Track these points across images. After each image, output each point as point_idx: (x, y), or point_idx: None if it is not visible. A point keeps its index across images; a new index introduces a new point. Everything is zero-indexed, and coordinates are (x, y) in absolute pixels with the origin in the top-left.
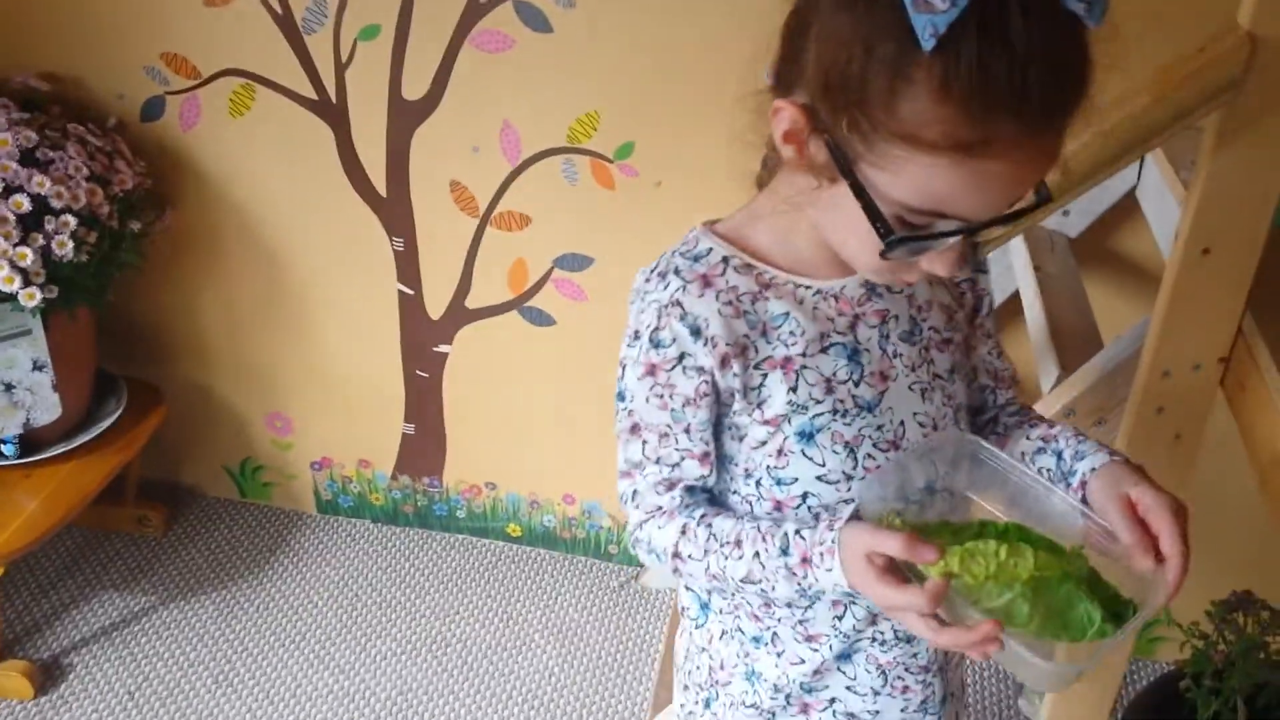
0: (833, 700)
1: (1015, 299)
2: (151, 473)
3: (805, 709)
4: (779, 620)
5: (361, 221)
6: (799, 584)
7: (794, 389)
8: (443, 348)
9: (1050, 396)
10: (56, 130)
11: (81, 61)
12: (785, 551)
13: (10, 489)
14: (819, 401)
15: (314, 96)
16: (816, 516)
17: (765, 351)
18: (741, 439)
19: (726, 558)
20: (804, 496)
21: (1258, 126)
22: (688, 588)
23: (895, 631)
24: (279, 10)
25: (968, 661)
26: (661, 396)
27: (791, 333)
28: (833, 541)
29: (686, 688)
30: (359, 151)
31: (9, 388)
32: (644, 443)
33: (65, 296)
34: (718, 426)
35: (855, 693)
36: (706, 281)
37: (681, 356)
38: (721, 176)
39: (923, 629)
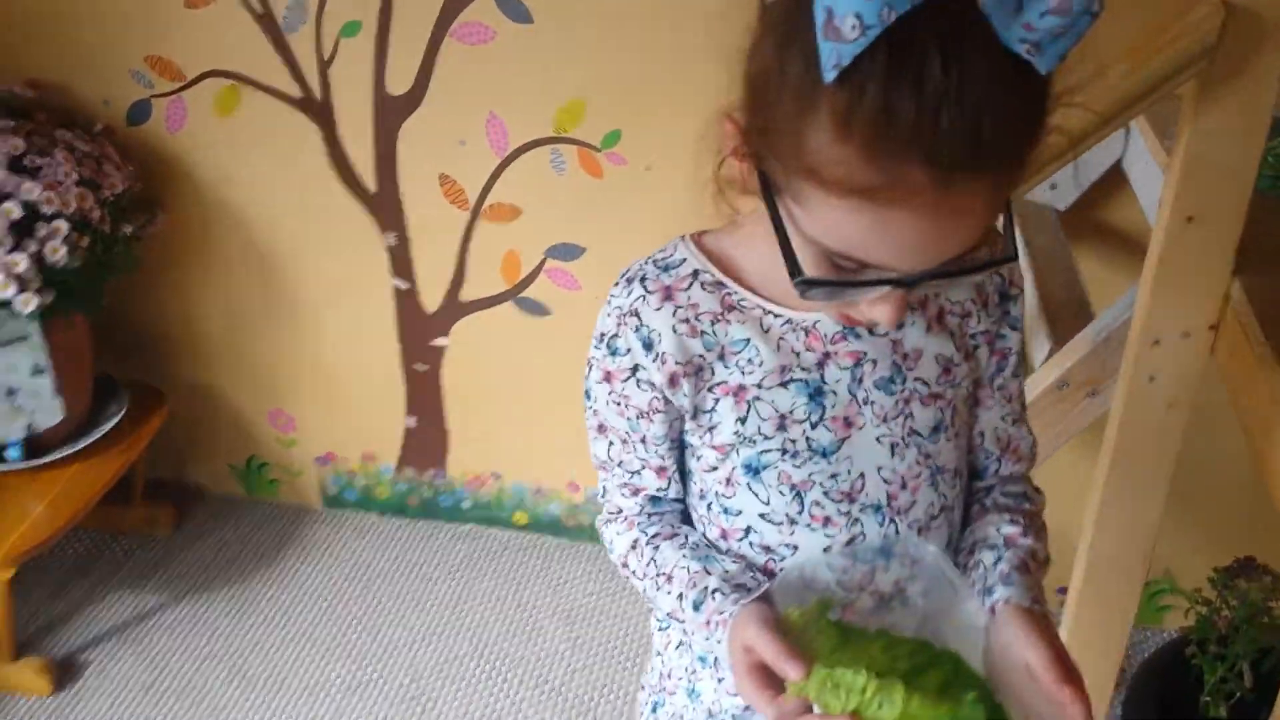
0: None
1: None
2: (158, 473)
3: None
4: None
5: (353, 218)
6: (707, 642)
7: (743, 420)
8: (440, 340)
9: (1042, 370)
10: (44, 137)
11: (66, 67)
12: (697, 608)
13: (17, 492)
14: (768, 437)
15: (299, 94)
16: (756, 567)
17: (720, 375)
18: (697, 459)
19: (658, 589)
20: (747, 530)
21: (1234, 93)
22: None
23: None
24: (259, 9)
25: None
26: (619, 404)
27: (750, 360)
28: (730, 616)
29: (643, 687)
30: (346, 148)
31: (10, 392)
32: (609, 444)
33: (61, 301)
34: (681, 440)
35: None
36: (668, 294)
37: (635, 369)
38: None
39: None
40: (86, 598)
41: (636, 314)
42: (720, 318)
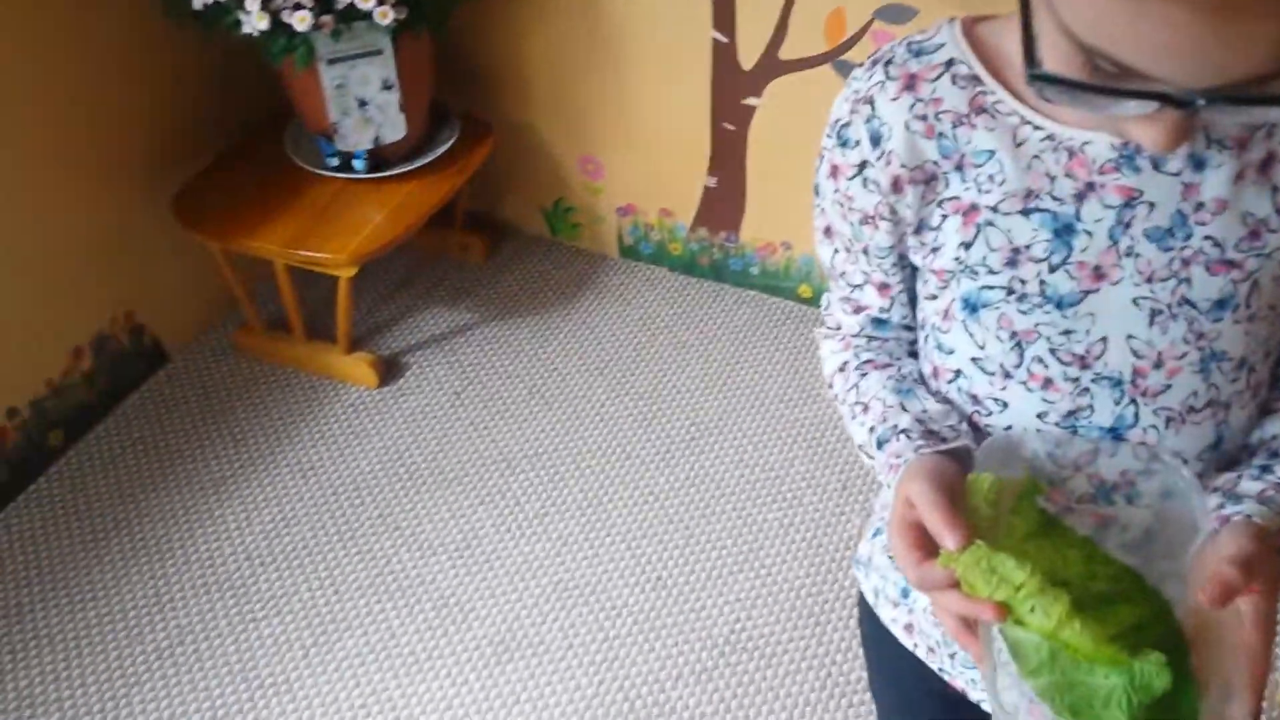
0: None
1: None
2: (474, 205)
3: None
4: None
5: None
6: (886, 481)
7: (968, 245)
8: (751, 100)
9: None
10: None
11: None
12: (881, 445)
13: (362, 201)
14: (993, 271)
15: None
16: (961, 416)
17: (953, 189)
18: (922, 282)
19: (853, 417)
20: (957, 373)
21: None
22: None
23: None
24: None
25: None
26: (843, 205)
27: (991, 177)
28: (905, 462)
29: (872, 511)
30: None
31: (362, 104)
32: (834, 250)
33: (413, 19)
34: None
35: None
36: (910, 83)
37: (862, 165)
38: None
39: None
40: (408, 309)
41: (871, 101)
42: (965, 120)
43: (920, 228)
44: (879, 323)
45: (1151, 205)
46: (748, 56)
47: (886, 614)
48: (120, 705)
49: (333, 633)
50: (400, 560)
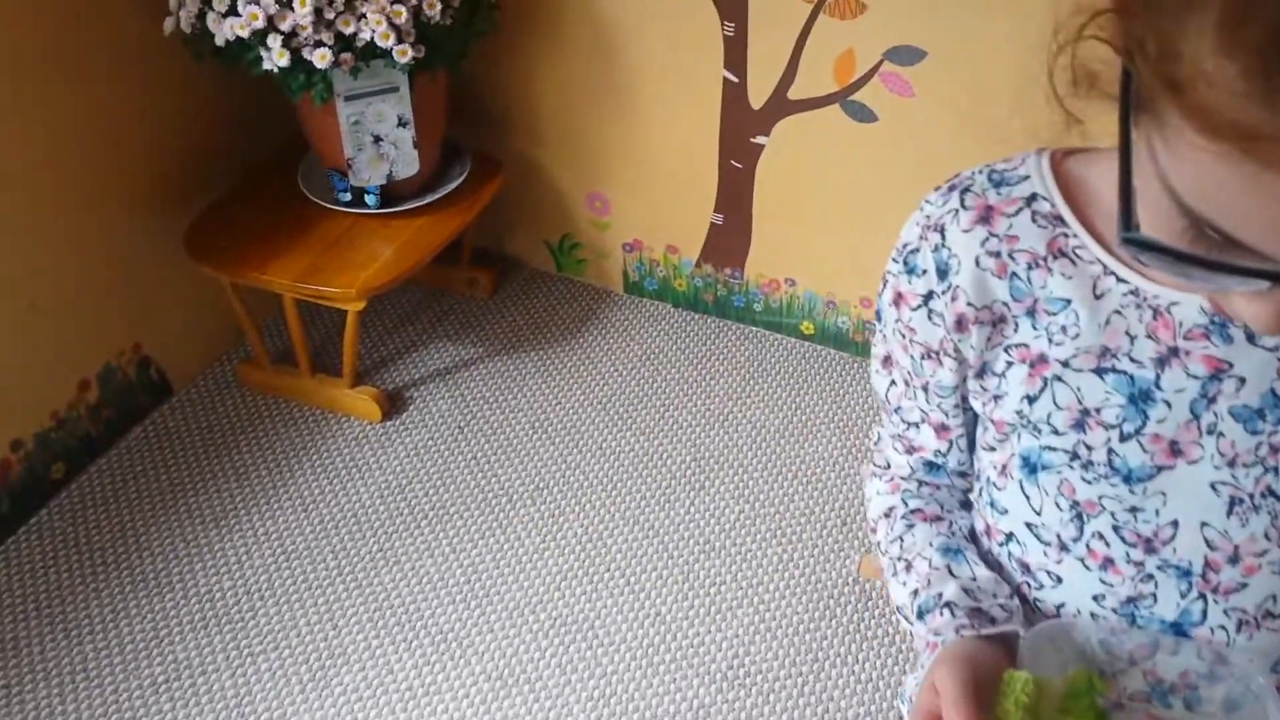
0: None
1: None
2: (482, 241)
3: None
4: None
5: (695, 4)
6: (922, 661)
7: (1032, 399)
8: (760, 139)
9: None
10: None
11: None
12: (922, 615)
13: (372, 236)
14: (1058, 432)
15: None
16: (1009, 585)
17: (1022, 335)
18: (982, 429)
19: (894, 574)
20: (1009, 537)
21: None
22: None
23: None
24: None
25: None
26: (904, 336)
27: (1064, 328)
28: (941, 643)
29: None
30: None
31: (377, 140)
32: (890, 382)
33: (429, 57)
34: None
35: None
36: (985, 216)
37: (928, 296)
38: None
39: None
40: (413, 343)
41: (941, 229)
42: (1041, 262)
43: (983, 371)
44: (932, 467)
45: (1241, 381)
46: (757, 96)
47: None
48: None
49: (330, 668)
50: (399, 595)
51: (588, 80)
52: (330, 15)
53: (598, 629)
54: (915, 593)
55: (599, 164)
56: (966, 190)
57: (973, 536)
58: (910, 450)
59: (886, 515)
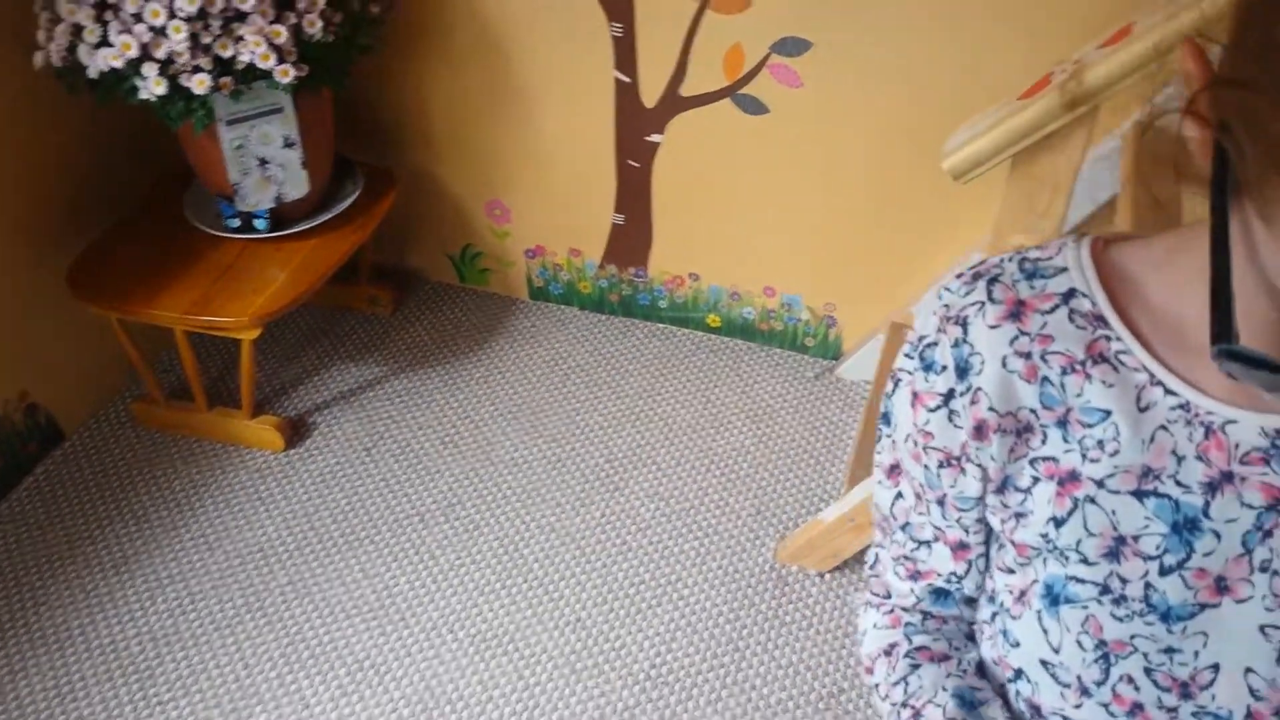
0: None
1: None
2: (381, 257)
3: None
4: None
5: (582, 6)
6: None
7: (1060, 522)
8: (655, 137)
9: None
10: None
11: None
12: None
13: (264, 260)
14: (1088, 561)
15: None
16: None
17: (1050, 448)
18: (998, 547)
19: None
20: (1019, 673)
21: None
22: None
23: None
24: None
25: None
26: (917, 443)
27: (1101, 443)
28: None
29: None
30: None
31: (263, 163)
32: (898, 494)
33: (313, 76)
34: None
35: None
36: (1016, 312)
37: (949, 395)
38: None
39: None
40: (314, 367)
41: (964, 323)
42: (1079, 368)
43: (1004, 486)
44: (941, 595)
45: None
46: (650, 94)
47: None
48: None
49: (243, 708)
50: (312, 626)
51: (479, 89)
52: (207, 40)
53: (518, 641)
54: None
55: (496, 172)
56: (994, 281)
57: (983, 673)
58: (915, 576)
59: (887, 653)
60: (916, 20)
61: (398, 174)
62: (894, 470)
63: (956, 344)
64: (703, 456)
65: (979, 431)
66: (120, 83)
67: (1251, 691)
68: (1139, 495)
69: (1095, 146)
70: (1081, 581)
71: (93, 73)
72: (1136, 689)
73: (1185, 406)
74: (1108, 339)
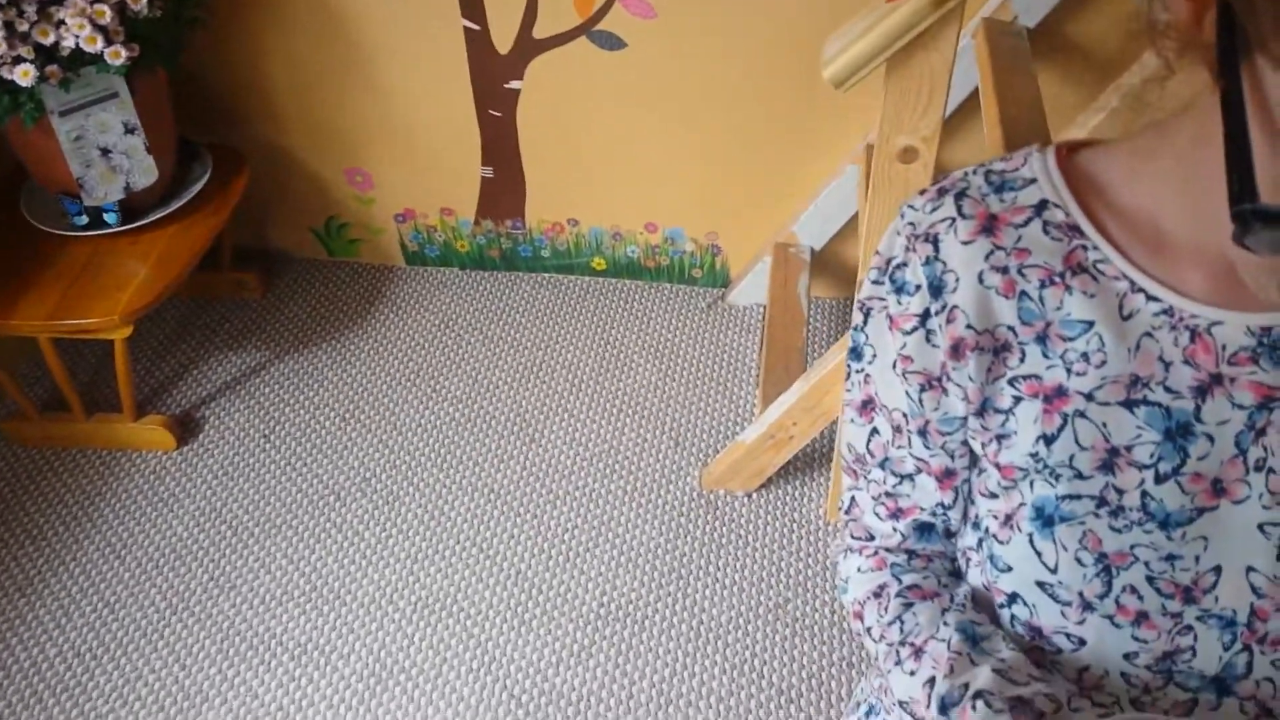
0: None
1: (975, 96)
2: (241, 240)
3: None
4: None
5: None
6: None
7: (1049, 440)
8: (514, 84)
9: None
10: None
11: None
12: (945, 709)
13: (121, 255)
14: (1082, 476)
15: None
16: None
17: (1030, 365)
18: (979, 472)
19: (899, 662)
20: (1013, 598)
21: None
22: None
23: None
24: None
25: None
26: (895, 368)
27: (1085, 356)
28: None
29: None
30: None
31: (105, 153)
32: (874, 430)
33: (144, 55)
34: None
35: None
36: (989, 226)
37: (924, 316)
38: None
39: None
40: (191, 360)
41: (934, 241)
42: (1058, 280)
43: (984, 408)
44: (925, 530)
45: None
46: (502, 40)
47: None
48: None
49: (189, 710)
50: (245, 619)
51: (319, 53)
52: (24, 27)
53: (461, 602)
54: (930, 681)
55: (351, 139)
56: (963, 195)
57: (975, 602)
58: (898, 514)
59: (876, 595)
60: None
61: (247, 152)
62: (867, 406)
63: (928, 261)
64: (613, 398)
65: (955, 351)
66: None
67: (1254, 589)
68: (1129, 405)
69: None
70: (1077, 498)
71: None
72: (1140, 598)
73: (1169, 311)
74: (1084, 248)
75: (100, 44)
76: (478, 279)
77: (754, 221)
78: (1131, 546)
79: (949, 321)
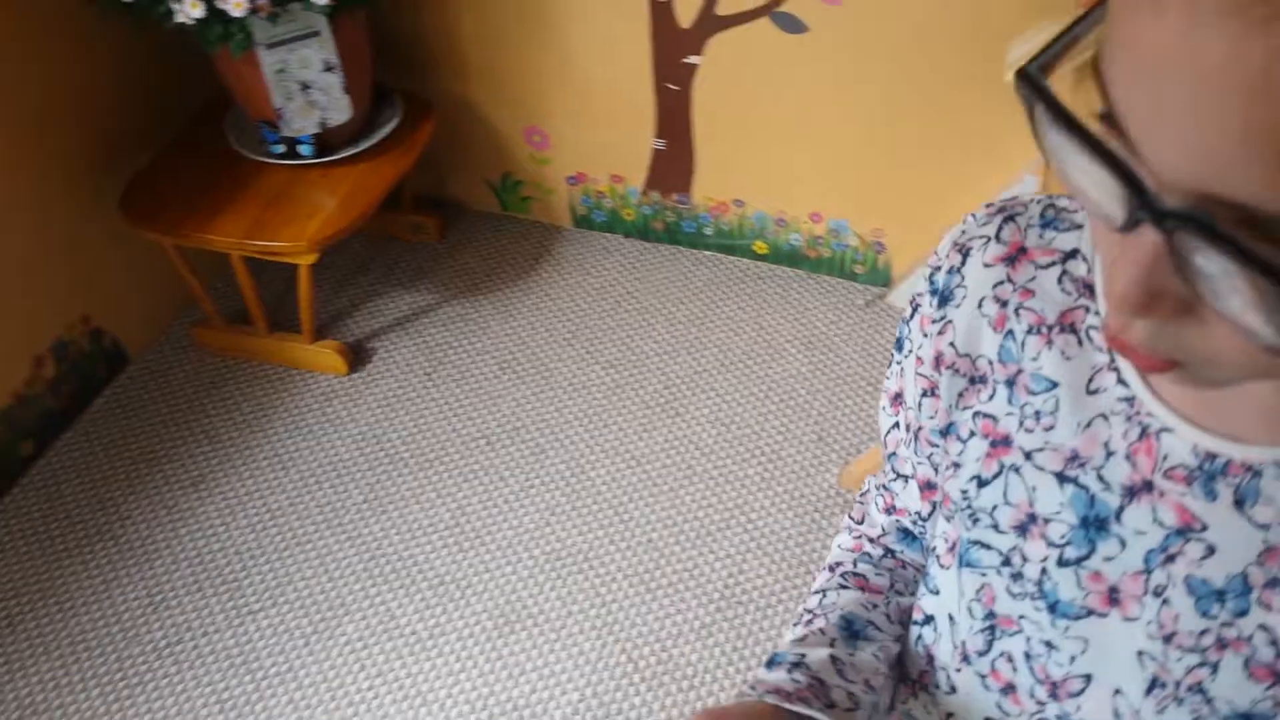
0: None
1: None
2: (420, 186)
3: None
4: None
5: None
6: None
7: (983, 482)
8: (692, 59)
9: None
10: None
11: None
12: (769, 665)
13: (312, 187)
14: (998, 529)
15: None
16: (894, 673)
17: (995, 406)
18: (944, 496)
19: (795, 624)
20: (927, 620)
21: None
22: None
23: None
24: None
25: None
26: (913, 365)
27: (1038, 414)
28: (740, 697)
29: None
30: None
31: (305, 87)
32: (895, 424)
33: None
34: None
35: None
36: (1013, 258)
37: (942, 321)
38: None
39: None
40: (368, 294)
41: (965, 253)
42: (1044, 331)
43: (948, 430)
44: (907, 536)
45: (1210, 550)
46: (685, 15)
47: None
48: (125, 705)
49: (331, 619)
50: (391, 543)
51: (510, 11)
52: None
53: (592, 560)
54: (789, 644)
55: (533, 98)
56: (1010, 219)
57: (899, 615)
58: (890, 510)
59: (831, 569)
60: None
61: (434, 101)
62: (897, 399)
63: (951, 271)
64: (760, 383)
65: (936, 363)
66: (155, 6)
67: (1115, 713)
68: (1060, 479)
69: None
70: (987, 548)
71: None
72: (1014, 670)
73: (1130, 401)
74: (1086, 310)
75: None
76: (640, 249)
77: (922, 223)
78: (1019, 616)
79: (940, 333)
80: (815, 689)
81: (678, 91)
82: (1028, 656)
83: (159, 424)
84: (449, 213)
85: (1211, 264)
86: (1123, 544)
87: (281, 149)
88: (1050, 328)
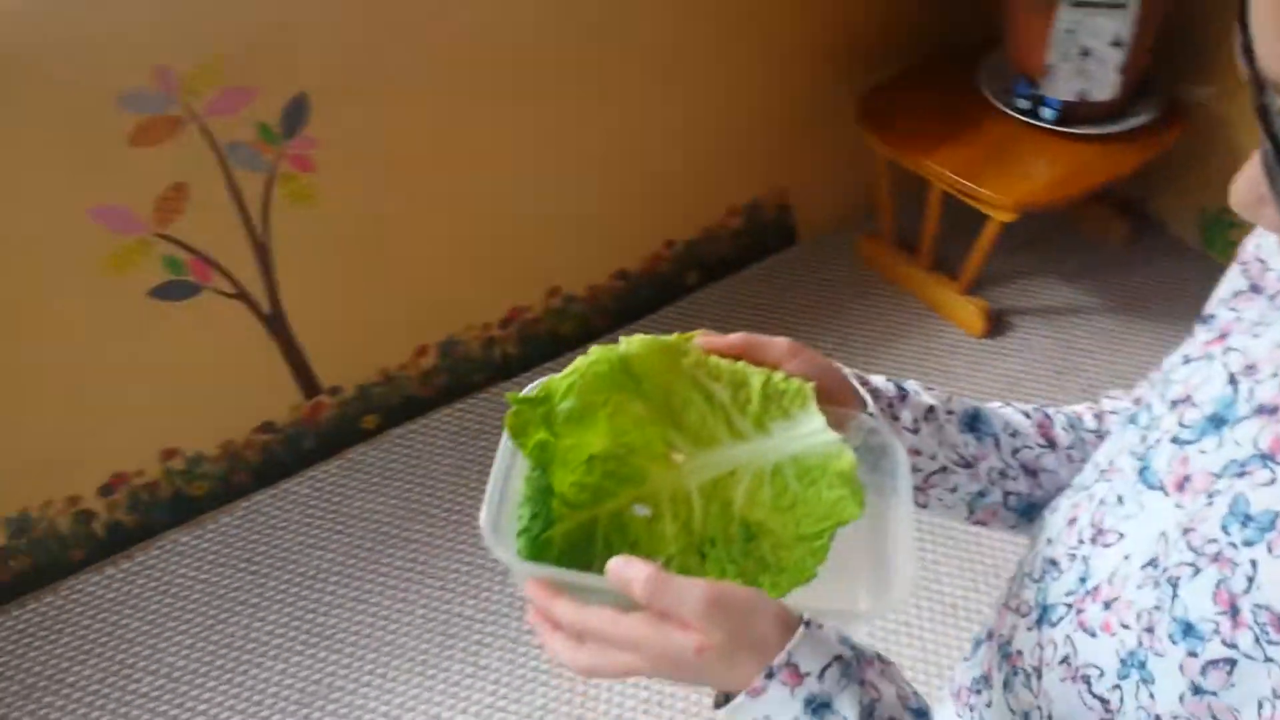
0: None
1: None
2: (1128, 188)
3: None
4: None
5: None
6: None
7: (1186, 360)
8: None
9: None
10: None
11: None
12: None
13: (1035, 150)
14: (1163, 399)
15: None
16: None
17: (1251, 314)
18: None
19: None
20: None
21: None
22: None
23: None
24: None
25: None
26: None
27: (1261, 324)
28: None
29: None
30: None
31: (1085, 53)
32: None
33: None
34: None
35: None
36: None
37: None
38: None
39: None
40: (1030, 271)
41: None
42: (1246, 294)
43: (1209, 319)
44: None
45: (1272, 481)
46: None
47: None
48: None
49: None
50: None
51: None
52: None
53: None
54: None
55: None
56: None
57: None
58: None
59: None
60: None
61: (1189, 109)
62: None
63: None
64: None
65: (1242, 256)
66: None
67: (1112, 573)
68: (1231, 380)
69: None
70: (1149, 409)
71: None
72: (1087, 507)
73: (1252, 367)
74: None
75: None
76: None
77: None
78: (1119, 468)
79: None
80: (890, 397)
81: None
82: (1102, 502)
83: (804, 304)
84: (1144, 226)
85: None
86: (1219, 445)
87: (1026, 105)
88: (1247, 290)
